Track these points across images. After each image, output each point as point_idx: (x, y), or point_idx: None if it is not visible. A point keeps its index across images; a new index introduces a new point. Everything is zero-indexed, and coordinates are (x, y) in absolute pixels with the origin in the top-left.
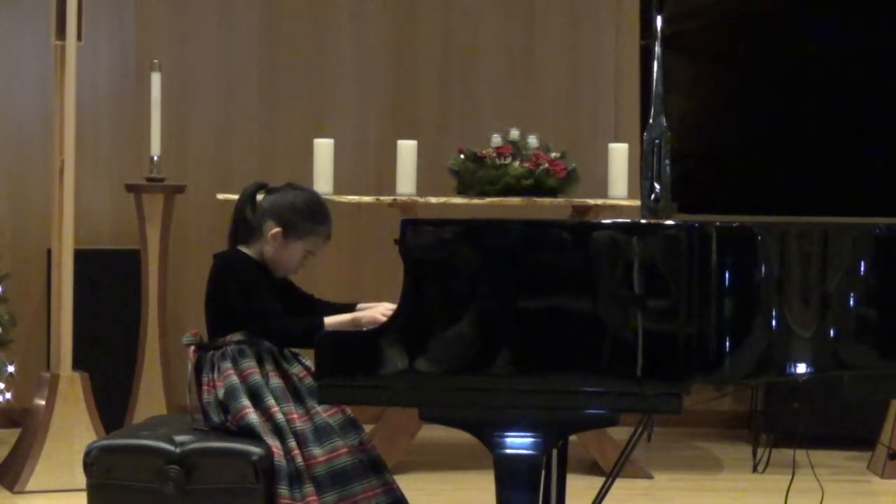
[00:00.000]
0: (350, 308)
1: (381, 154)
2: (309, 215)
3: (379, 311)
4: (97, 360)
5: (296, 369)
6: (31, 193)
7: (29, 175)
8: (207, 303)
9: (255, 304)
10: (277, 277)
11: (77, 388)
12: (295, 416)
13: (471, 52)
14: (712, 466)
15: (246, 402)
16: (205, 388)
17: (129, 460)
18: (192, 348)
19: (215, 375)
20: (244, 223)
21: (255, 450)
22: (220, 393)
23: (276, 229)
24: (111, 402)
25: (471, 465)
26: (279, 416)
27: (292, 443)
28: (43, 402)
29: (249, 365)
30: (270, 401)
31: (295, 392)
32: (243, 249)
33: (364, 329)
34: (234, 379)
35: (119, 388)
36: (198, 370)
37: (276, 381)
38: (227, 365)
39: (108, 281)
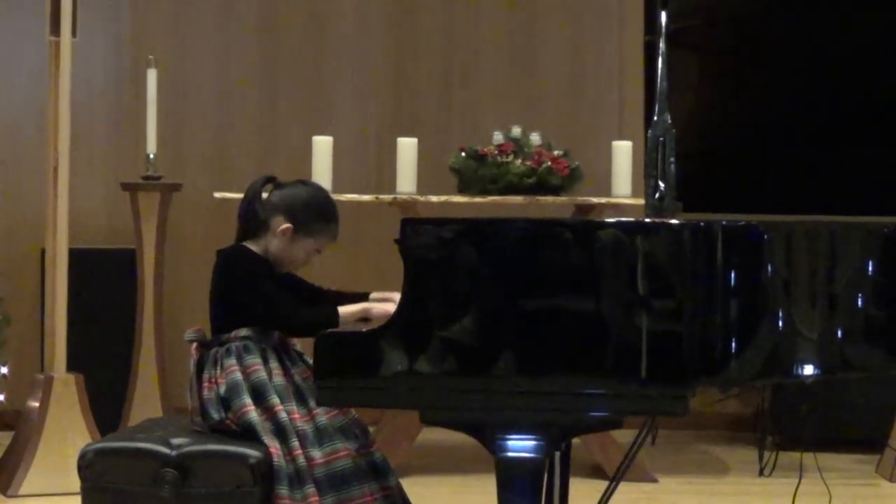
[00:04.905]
0: (363, 297)
1: (380, 152)
2: (320, 213)
3: (392, 305)
4: (92, 361)
5: (299, 368)
6: (25, 192)
7: (22, 173)
8: (212, 298)
9: (265, 293)
10: (281, 273)
11: (71, 390)
12: (297, 415)
13: (472, 47)
14: (718, 470)
15: (248, 399)
16: (206, 384)
17: (125, 463)
18: (195, 345)
19: (218, 372)
20: (253, 217)
21: (253, 452)
22: (222, 389)
23: (286, 225)
24: (106, 405)
25: (472, 468)
26: (282, 415)
27: (295, 442)
28: (37, 405)
29: (254, 361)
30: (274, 399)
31: (297, 391)
32: (248, 245)
33: (374, 321)
34: (238, 375)
35: (114, 390)
36: (199, 368)
37: (279, 379)
38: (231, 361)
39: (103, 281)
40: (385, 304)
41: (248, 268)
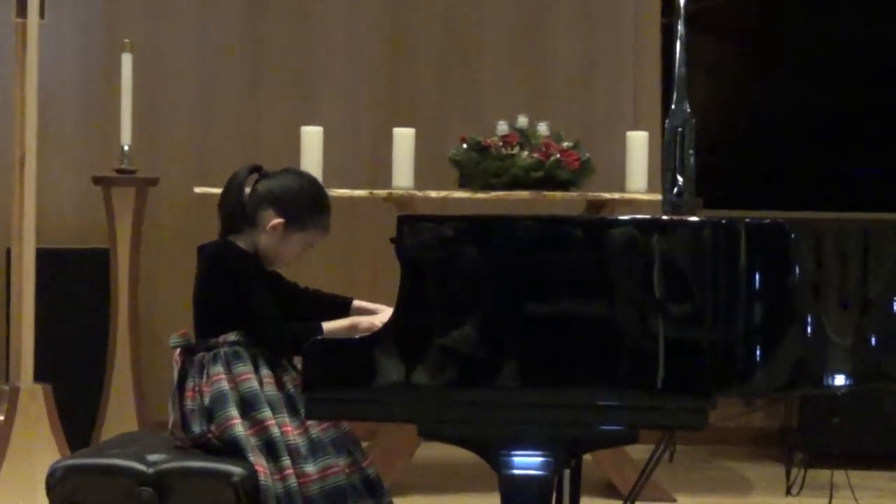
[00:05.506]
0: (346, 302)
1: (375, 143)
2: (312, 204)
3: (380, 318)
4: (61, 370)
5: (290, 375)
6: None
7: None
8: (196, 299)
9: (252, 306)
10: (267, 270)
11: (39, 402)
12: (290, 428)
13: (475, 29)
14: (741, 489)
15: (234, 411)
16: (188, 393)
17: (97, 481)
18: (178, 351)
19: (203, 380)
20: (238, 211)
21: (237, 470)
22: (207, 399)
23: (278, 220)
24: (77, 418)
25: (474, 486)
26: (274, 430)
27: (286, 460)
28: (1, 418)
29: (245, 370)
30: (265, 412)
31: (289, 401)
32: (233, 240)
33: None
34: (224, 385)
35: (86, 402)
36: (182, 376)
37: (271, 389)
38: (219, 369)
39: (74, 283)
40: (373, 317)
41: (234, 272)
